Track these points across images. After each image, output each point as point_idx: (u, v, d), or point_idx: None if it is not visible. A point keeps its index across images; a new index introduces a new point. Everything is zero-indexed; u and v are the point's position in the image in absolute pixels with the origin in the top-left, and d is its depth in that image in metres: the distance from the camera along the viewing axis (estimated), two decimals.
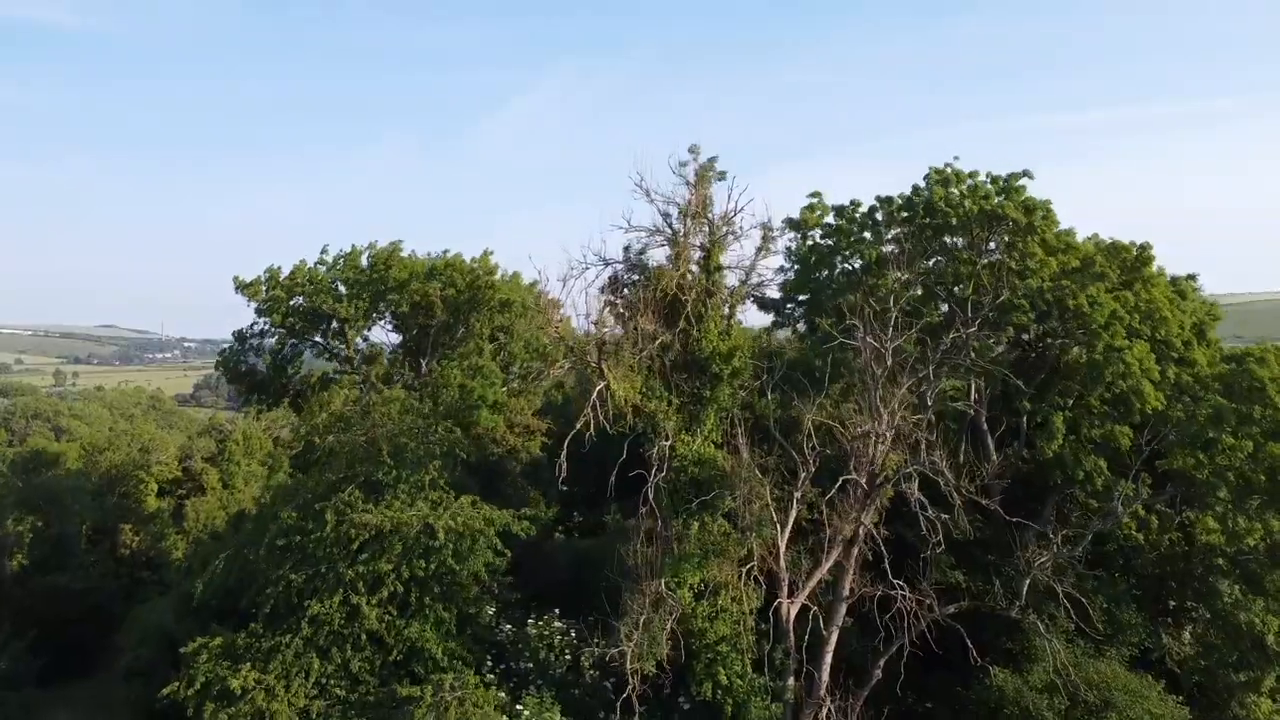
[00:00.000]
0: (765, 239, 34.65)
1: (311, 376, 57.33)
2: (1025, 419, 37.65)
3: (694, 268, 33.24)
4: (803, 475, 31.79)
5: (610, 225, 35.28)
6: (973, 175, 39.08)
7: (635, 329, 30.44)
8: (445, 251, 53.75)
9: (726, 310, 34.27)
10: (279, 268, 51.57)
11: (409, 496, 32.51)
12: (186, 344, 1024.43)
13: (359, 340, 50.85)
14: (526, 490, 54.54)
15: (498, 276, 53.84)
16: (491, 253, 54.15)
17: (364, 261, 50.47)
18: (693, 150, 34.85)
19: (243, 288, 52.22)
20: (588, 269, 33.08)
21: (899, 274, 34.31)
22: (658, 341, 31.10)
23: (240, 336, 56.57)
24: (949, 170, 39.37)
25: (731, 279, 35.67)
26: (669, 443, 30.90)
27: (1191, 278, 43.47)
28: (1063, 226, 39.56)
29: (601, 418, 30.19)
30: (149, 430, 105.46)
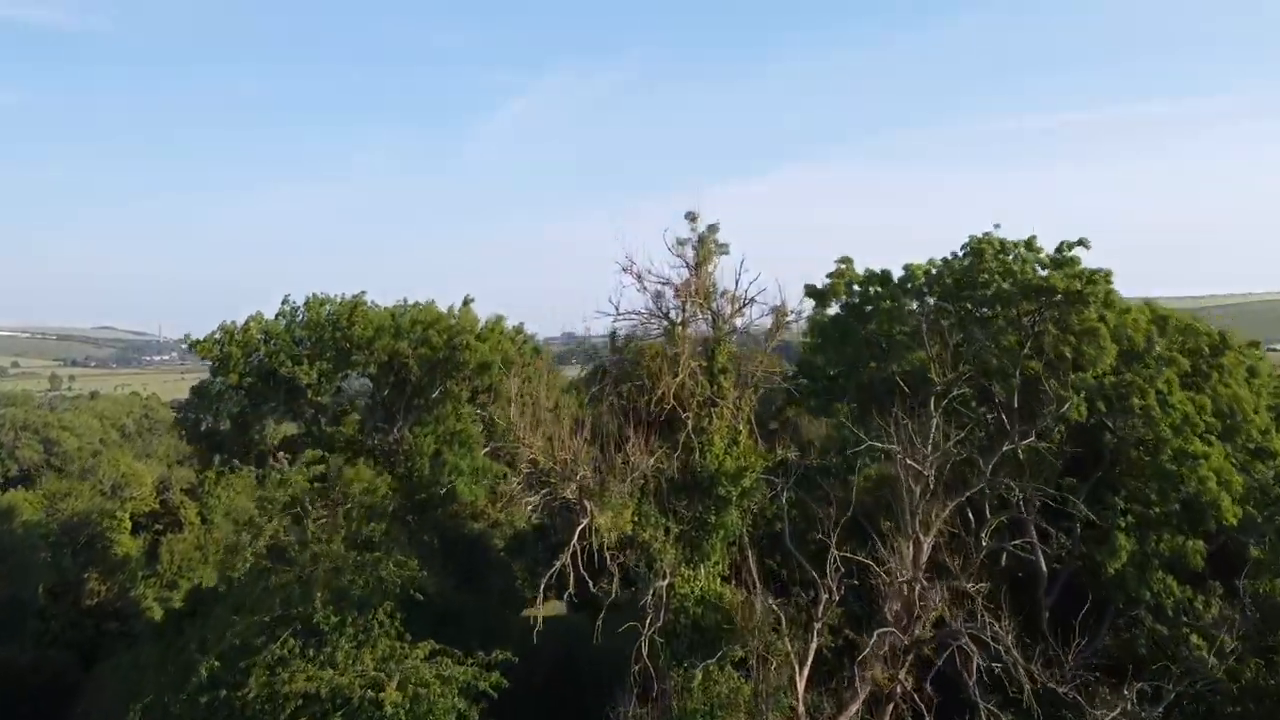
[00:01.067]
0: (778, 324, 29.55)
1: (277, 435, 52.37)
2: (1079, 524, 32.52)
3: (695, 364, 28.15)
4: (824, 599, 26.88)
5: (596, 310, 30.16)
6: (1019, 245, 33.97)
7: (624, 458, 25.32)
8: (412, 303, 48.68)
9: (734, 410, 29.05)
10: (234, 323, 46.47)
11: (352, 649, 27.12)
12: (184, 345, 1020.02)
13: (324, 398, 45.54)
14: (511, 571, 49.66)
15: (479, 327, 48.82)
16: (472, 300, 49.10)
17: (325, 315, 45.23)
18: (690, 218, 29.87)
19: (194, 345, 47.22)
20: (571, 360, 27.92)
21: (940, 372, 29.12)
22: (652, 459, 26.00)
23: (199, 391, 51.53)
24: (990, 240, 34.28)
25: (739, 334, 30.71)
26: (666, 582, 25.78)
27: (1255, 345, 38.51)
28: (1118, 290, 34.45)
29: (588, 553, 25.06)
30: (125, 461, 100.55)
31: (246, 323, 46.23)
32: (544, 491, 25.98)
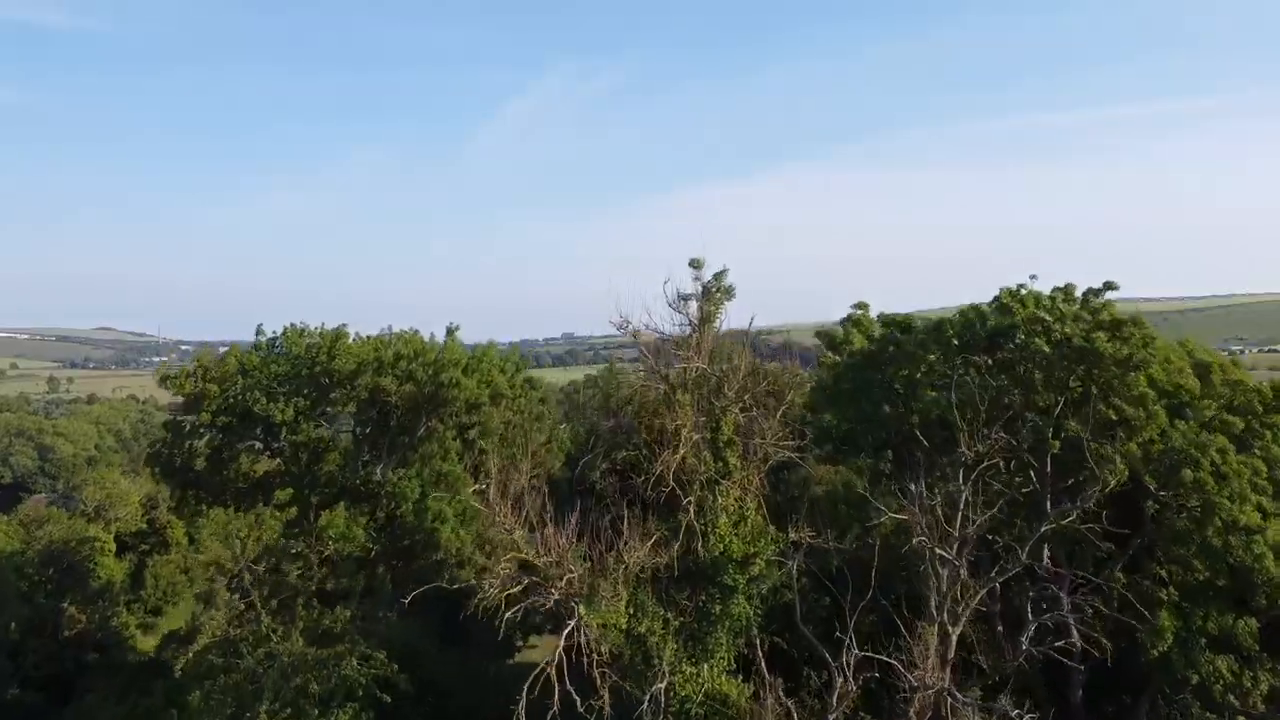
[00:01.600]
0: (789, 387, 26.78)
1: (257, 469, 49.63)
2: (1114, 595, 29.69)
3: (697, 438, 25.32)
4: (839, 688, 24.20)
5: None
6: (1054, 298, 31.15)
7: (617, 557, 22.54)
8: (397, 332, 45.90)
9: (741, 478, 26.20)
10: (210, 352, 43.92)
11: None
12: (184, 346, 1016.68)
13: (301, 436, 42.69)
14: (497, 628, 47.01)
15: (467, 358, 46.04)
16: (456, 328, 46.35)
17: (306, 348, 42.43)
18: (695, 265, 27.07)
19: (165, 380, 44.55)
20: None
21: (969, 442, 26.24)
22: (649, 547, 23.21)
23: (173, 427, 48.84)
24: (1022, 293, 31.47)
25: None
26: (664, 684, 22.96)
27: None
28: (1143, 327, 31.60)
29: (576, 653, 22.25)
30: (111, 478, 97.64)
31: (224, 356, 43.61)
32: (529, 588, 23.08)
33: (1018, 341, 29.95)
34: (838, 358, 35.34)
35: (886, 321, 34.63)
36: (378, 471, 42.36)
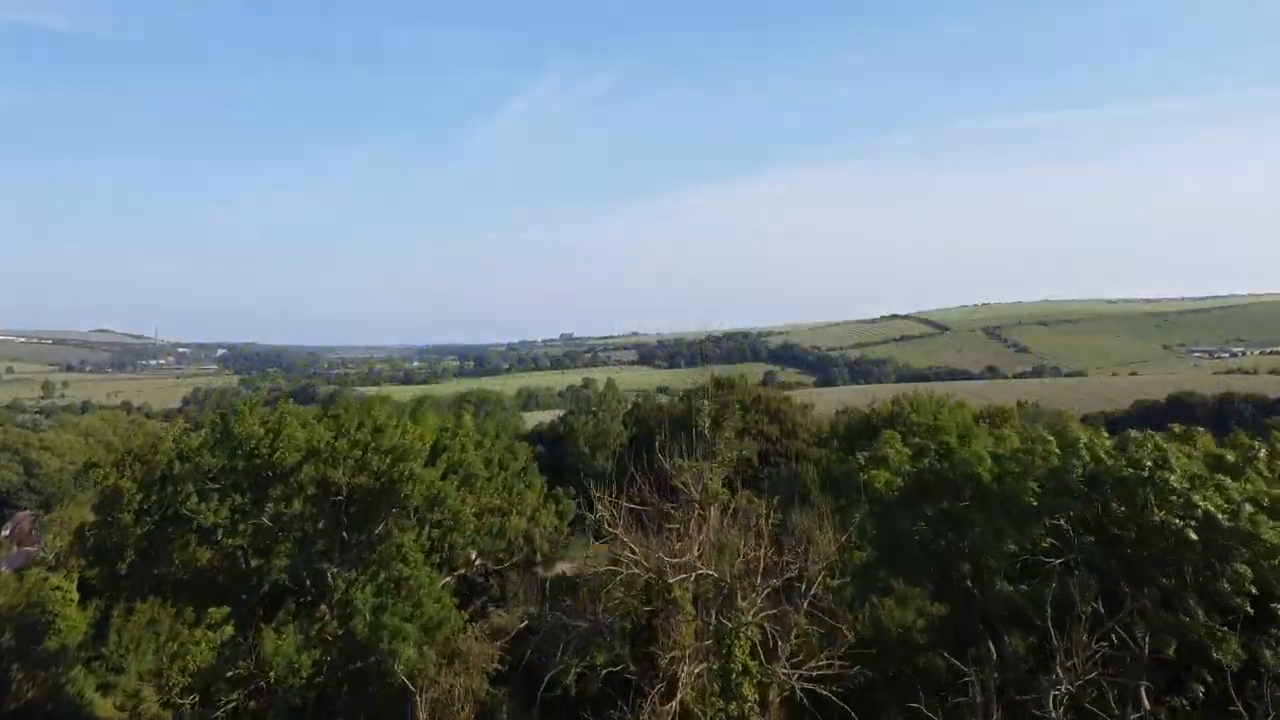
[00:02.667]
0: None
1: (198, 559, 43.50)
2: None
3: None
4: None
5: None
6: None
7: None
8: (362, 403, 39.74)
9: None
10: (143, 432, 37.91)
11: None
12: (180, 349, 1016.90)
13: (240, 539, 36.54)
14: None
15: (435, 436, 39.96)
16: (425, 408, 40.26)
17: (247, 434, 36.18)
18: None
19: (89, 468, 38.62)
20: None
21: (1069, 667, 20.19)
22: None
23: (103, 510, 42.77)
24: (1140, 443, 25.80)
25: None
26: None
27: None
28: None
29: None
30: (80, 515, 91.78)
31: (153, 443, 37.63)
32: None
33: (1143, 515, 24.04)
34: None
35: (920, 451, 28.72)
36: (329, 575, 36.34)
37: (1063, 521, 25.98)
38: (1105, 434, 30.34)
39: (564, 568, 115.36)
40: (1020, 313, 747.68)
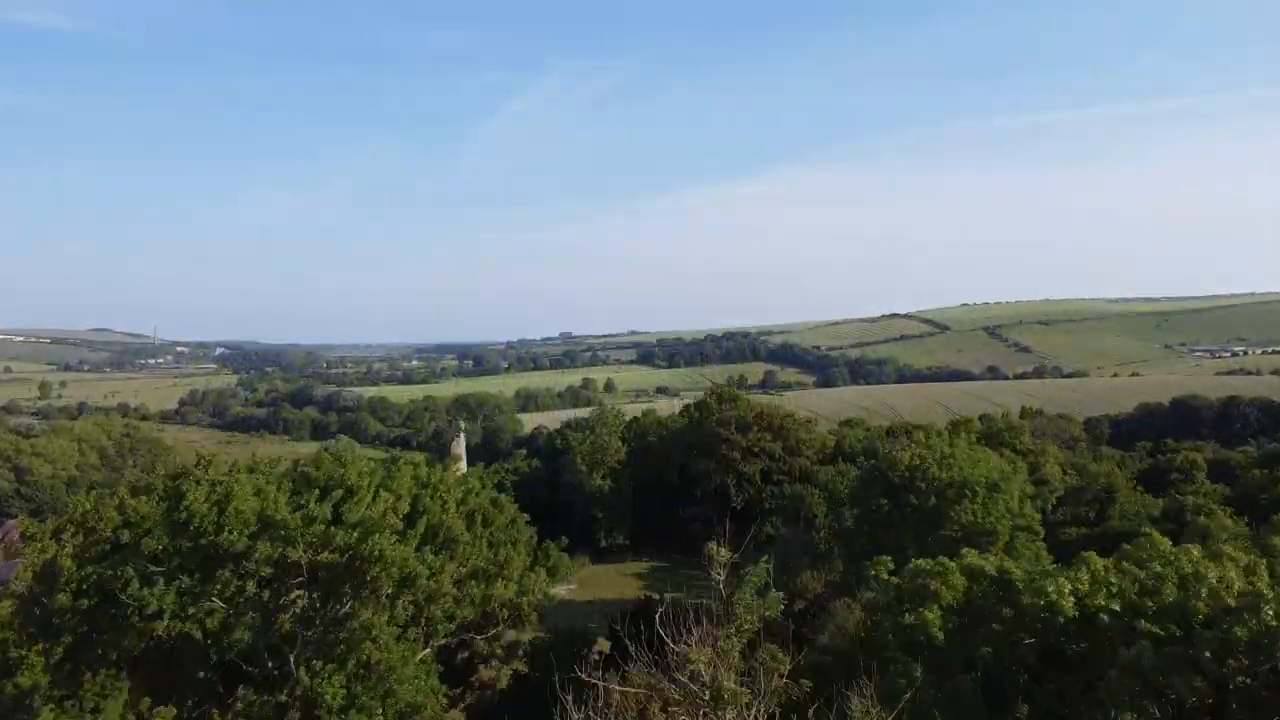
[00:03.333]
0: None
1: (154, 629, 40.04)
2: None
3: None
4: None
5: None
6: None
7: None
8: (324, 471, 36.20)
9: None
10: (79, 503, 34.60)
11: None
12: (179, 348, 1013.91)
13: (188, 625, 33.09)
14: None
15: (410, 495, 36.66)
16: (396, 462, 36.93)
17: (194, 510, 32.36)
18: None
19: (26, 536, 35.27)
20: None
21: None
22: None
23: (41, 581, 39.14)
24: None
25: None
26: None
27: None
28: None
29: None
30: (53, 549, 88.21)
31: (92, 512, 34.31)
32: None
33: None
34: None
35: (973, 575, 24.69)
36: (290, 661, 33.04)
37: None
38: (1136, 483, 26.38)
39: (558, 591, 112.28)
40: (1021, 312, 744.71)
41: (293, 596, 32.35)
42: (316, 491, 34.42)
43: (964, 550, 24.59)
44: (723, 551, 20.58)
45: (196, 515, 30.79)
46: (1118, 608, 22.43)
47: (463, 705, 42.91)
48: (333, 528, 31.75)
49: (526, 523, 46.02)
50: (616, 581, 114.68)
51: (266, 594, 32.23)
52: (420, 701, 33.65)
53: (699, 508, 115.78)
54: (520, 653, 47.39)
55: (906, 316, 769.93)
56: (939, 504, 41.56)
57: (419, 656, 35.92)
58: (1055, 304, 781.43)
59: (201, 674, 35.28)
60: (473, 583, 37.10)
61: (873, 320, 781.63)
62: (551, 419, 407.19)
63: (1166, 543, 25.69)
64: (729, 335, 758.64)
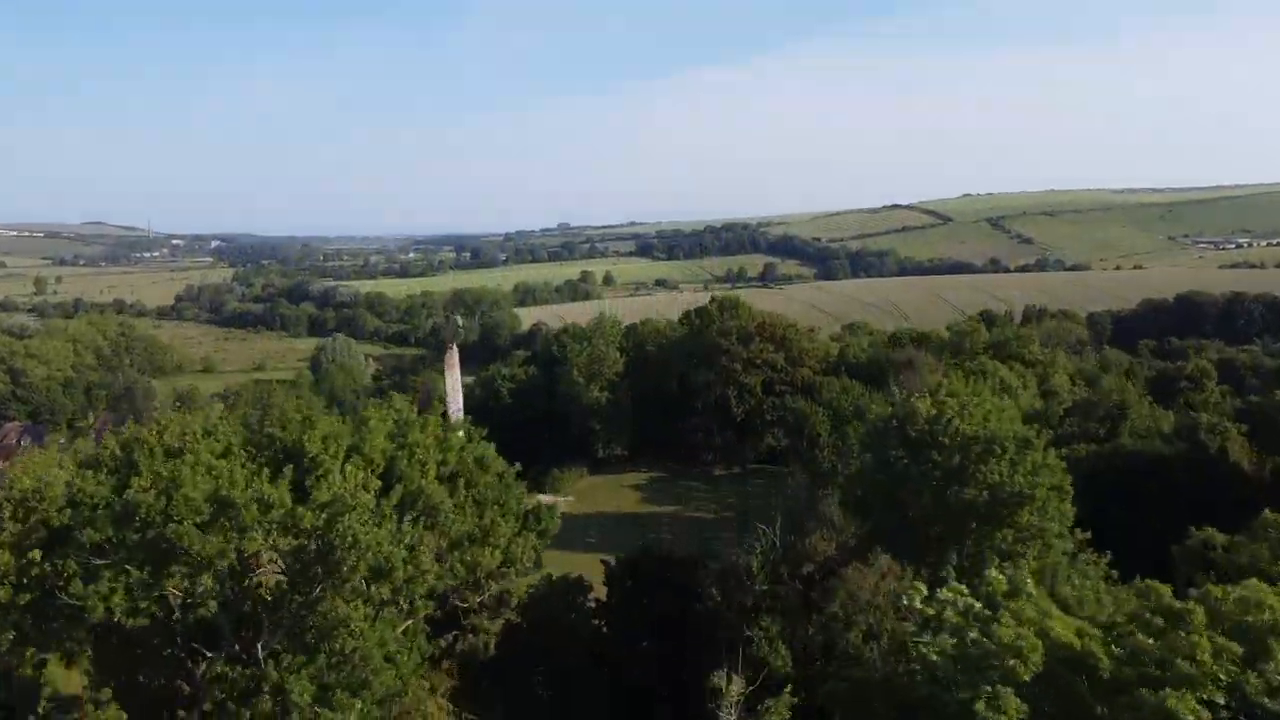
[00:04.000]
0: None
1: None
2: None
3: None
4: None
5: None
6: None
7: None
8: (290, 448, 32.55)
9: None
10: (18, 481, 31.27)
11: None
12: (175, 241, 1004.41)
13: (140, 620, 30.03)
14: None
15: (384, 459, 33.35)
16: (365, 423, 33.58)
17: (140, 496, 28.74)
18: None
19: None
20: None
21: None
22: None
23: None
24: None
25: None
26: None
27: None
28: None
29: None
30: (47, 463, 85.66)
31: (45, 485, 30.99)
32: None
33: None
34: None
35: None
36: (259, 651, 30.22)
37: None
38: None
39: (557, 501, 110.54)
40: (1025, 203, 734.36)
41: (256, 580, 29.42)
42: (278, 468, 31.14)
43: (1025, 582, 21.11)
44: (732, 689, 17.46)
45: (142, 505, 27.57)
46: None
47: (448, 664, 40.50)
48: (298, 508, 28.56)
49: (517, 475, 42.86)
50: (615, 494, 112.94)
51: (228, 582, 29.25)
52: (397, 688, 31.15)
53: (699, 419, 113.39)
54: (512, 604, 44.91)
55: (908, 208, 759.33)
56: (963, 461, 38.34)
57: (400, 629, 33.23)
58: (1059, 194, 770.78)
59: (168, 651, 32.68)
60: (455, 553, 34.25)
61: (874, 211, 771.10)
62: (550, 314, 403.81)
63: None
64: (728, 227, 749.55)
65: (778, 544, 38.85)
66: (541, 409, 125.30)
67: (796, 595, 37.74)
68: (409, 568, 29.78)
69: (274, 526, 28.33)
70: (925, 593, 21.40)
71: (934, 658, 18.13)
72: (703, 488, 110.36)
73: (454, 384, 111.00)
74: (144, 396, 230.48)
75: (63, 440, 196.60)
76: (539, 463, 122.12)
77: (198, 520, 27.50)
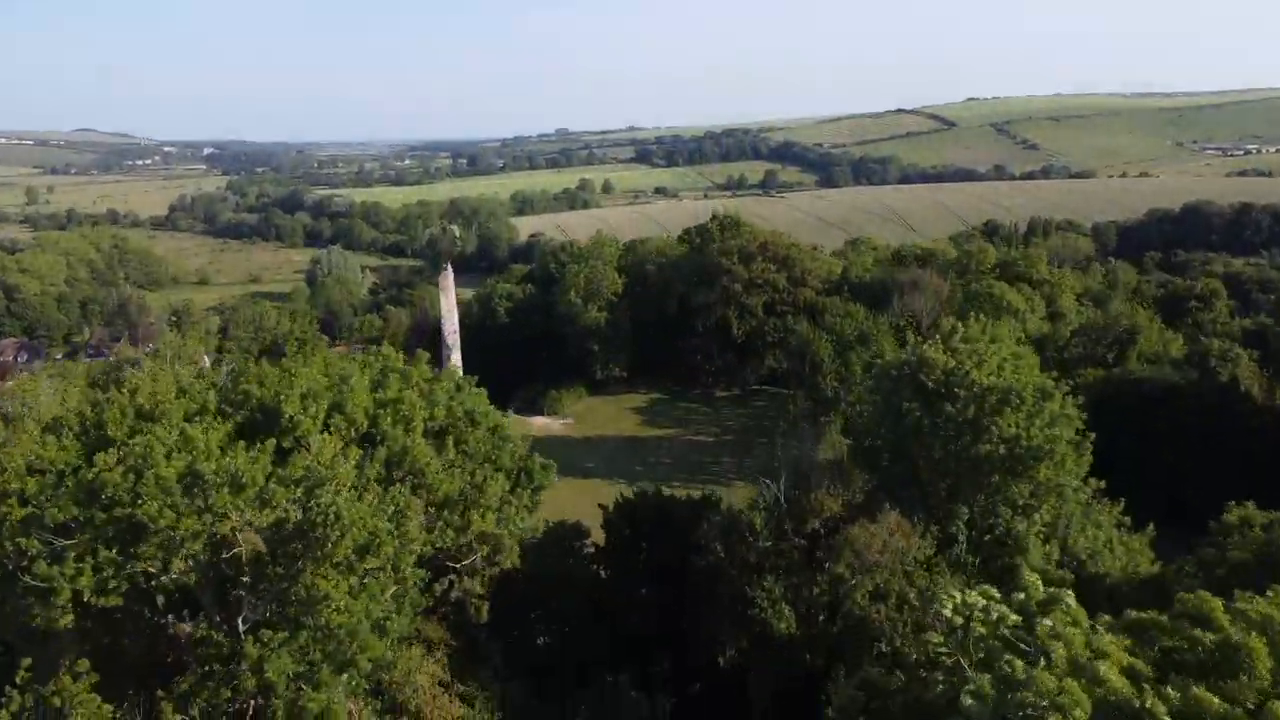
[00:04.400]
0: None
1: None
2: None
3: None
4: None
5: None
6: None
7: None
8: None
9: None
10: None
11: None
12: (167, 149, 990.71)
13: (112, 599, 28.33)
14: None
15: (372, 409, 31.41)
16: (347, 381, 31.55)
17: (106, 475, 26.57)
18: None
19: None
20: None
21: None
22: None
23: None
24: None
25: None
26: None
27: None
28: None
29: None
30: (33, 388, 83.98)
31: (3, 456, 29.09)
32: None
33: None
34: None
35: None
36: (239, 625, 28.73)
37: None
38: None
39: (551, 424, 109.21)
40: (1031, 108, 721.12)
41: (234, 554, 27.77)
42: (255, 430, 29.24)
43: (1066, 595, 19.36)
44: None
45: (108, 485, 25.73)
46: None
47: (439, 615, 39.19)
48: (273, 486, 26.67)
49: (507, 416, 41.03)
50: (614, 416, 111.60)
51: (204, 557, 27.58)
52: (387, 660, 29.84)
53: (699, 340, 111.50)
54: (508, 551, 43.37)
55: (912, 112, 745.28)
56: (978, 413, 36.47)
57: (389, 592, 31.72)
58: (1067, 100, 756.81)
59: (149, 616, 31.28)
60: (444, 515, 32.60)
61: (877, 116, 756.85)
62: (548, 223, 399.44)
63: None
64: (728, 133, 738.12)
65: (782, 499, 37.26)
66: (539, 328, 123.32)
67: (801, 553, 36.30)
68: (396, 541, 28.12)
69: (248, 506, 26.55)
70: (957, 599, 19.65)
71: (969, 701, 16.48)
72: (703, 410, 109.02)
73: (449, 306, 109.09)
74: (138, 312, 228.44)
75: (59, 356, 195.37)
76: (537, 382, 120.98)
77: (169, 502, 25.70)
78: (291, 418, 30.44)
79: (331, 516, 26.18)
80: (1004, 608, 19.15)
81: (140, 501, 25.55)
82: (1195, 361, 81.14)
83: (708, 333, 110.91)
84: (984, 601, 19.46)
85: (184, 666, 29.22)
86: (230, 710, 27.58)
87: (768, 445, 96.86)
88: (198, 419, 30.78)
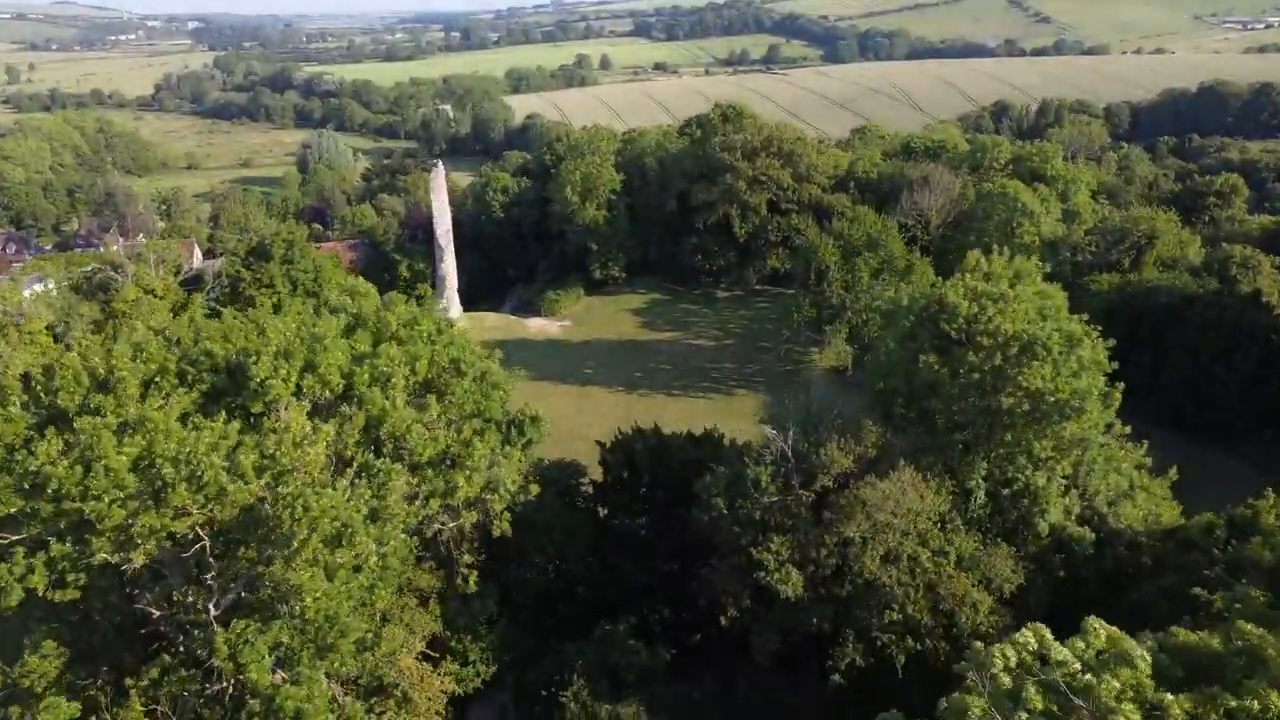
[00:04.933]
0: None
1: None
2: None
3: None
4: None
5: None
6: None
7: None
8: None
9: None
10: None
11: None
12: (150, 23, 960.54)
13: (71, 593, 26.10)
14: None
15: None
16: (320, 341, 28.93)
17: (49, 469, 23.93)
18: None
19: None
20: None
21: None
22: None
23: None
24: None
25: None
26: None
27: None
28: None
29: None
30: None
31: None
32: None
33: None
34: None
35: None
36: (210, 610, 26.67)
37: None
38: None
39: (548, 326, 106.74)
40: None
41: (192, 552, 25.57)
42: (219, 395, 26.68)
43: (1135, 648, 17.15)
44: None
45: (53, 478, 23.31)
46: None
47: (429, 564, 37.44)
48: (232, 484, 23.97)
49: (502, 362, 38.46)
50: (613, 318, 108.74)
51: (166, 546, 25.44)
52: (374, 641, 28.08)
53: (699, 239, 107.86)
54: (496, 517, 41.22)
55: None
56: (1002, 364, 33.91)
57: (370, 561, 29.73)
58: None
59: (114, 598, 29.47)
60: (428, 473, 30.29)
61: None
62: (545, 103, 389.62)
63: None
64: (730, 4, 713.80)
65: (790, 454, 34.97)
66: (536, 225, 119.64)
67: (809, 509, 34.26)
68: (371, 530, 25.96)
69: (208, 503, 24.25)
70: (1010, 661, 17.42)
71: None
72: (703, 311, 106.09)
73: (441, 205, 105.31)
74: (126, 200, 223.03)
75: (48, 247, 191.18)
76: (533, 282, 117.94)
77: (120, 497, 23.34)
78: (262, 382, 27.94)
79: (299, 509, 23.90)
80: (1067, 651, 16.97)
81: (90, 498, 23.20)
82: (1214, 269, 78.08)
83: (708, 231, 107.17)
84: (1035, 642, 17.18)
85: (159, 637, 27.52)
86: (205, 696, 25.95)
87: (770, 351, 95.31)
88: (157, 383, 28.29)
